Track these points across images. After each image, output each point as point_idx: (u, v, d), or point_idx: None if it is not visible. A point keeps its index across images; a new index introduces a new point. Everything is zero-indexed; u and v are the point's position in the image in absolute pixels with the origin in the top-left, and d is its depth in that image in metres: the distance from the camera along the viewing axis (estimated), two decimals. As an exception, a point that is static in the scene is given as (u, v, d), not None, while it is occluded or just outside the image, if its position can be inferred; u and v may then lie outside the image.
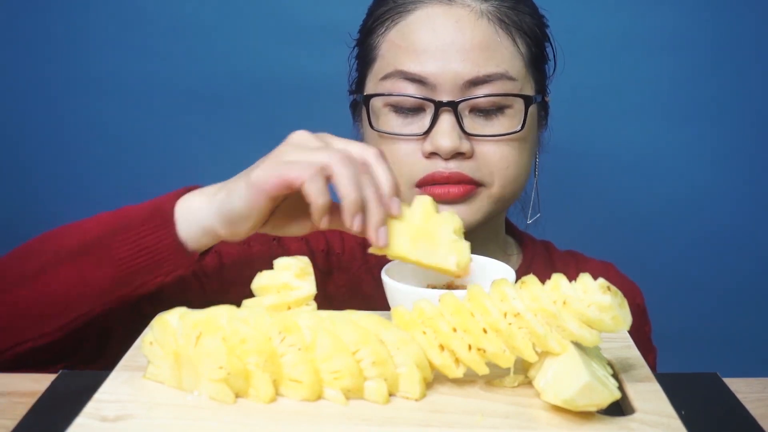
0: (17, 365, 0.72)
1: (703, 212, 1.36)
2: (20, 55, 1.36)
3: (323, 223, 0.67)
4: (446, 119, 0.81)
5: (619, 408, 0.54)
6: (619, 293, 0.54)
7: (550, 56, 0.91)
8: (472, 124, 0.82)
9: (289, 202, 0.70)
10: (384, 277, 0.70)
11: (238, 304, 0.59)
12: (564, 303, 0.54)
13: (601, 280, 0.54)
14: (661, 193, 1.36)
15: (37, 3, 1.34)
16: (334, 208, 0.67)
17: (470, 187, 0.82)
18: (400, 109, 0.83)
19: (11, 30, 1.35)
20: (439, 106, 0.81)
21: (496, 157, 0.82)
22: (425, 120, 0.82)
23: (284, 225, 0.72)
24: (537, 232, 1.01)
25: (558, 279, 0.55)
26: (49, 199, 1.42)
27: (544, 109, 0.91)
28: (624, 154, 1.35)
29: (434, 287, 0.76)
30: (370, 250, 0.67)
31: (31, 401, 0.57)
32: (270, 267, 0.64)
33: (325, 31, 1.27)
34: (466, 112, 0.82)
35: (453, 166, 0.81)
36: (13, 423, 0.54)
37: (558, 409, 0.52)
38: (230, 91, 1.35)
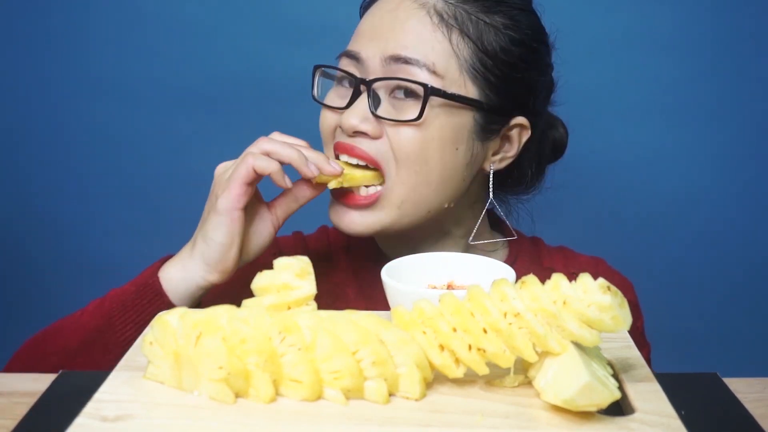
0: None
1: (703, 212, 1.36)
2: (20, 55, 1.36)
3: (288, 182, 0.79)
4: (362, 98, 0.84)
5: (619, 408, 0.54)
6: (619, 293, 0.54)
7: (529, 80, 0.88)
8: (388, 108, 0.84)
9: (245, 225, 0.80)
10: (384, 277, 0.70)
11: None
12: (564, 303, 0.54)
13: (601, 280, 0.54)
14: (662, 192, 1.36)
15: (37, 3, 1.34)
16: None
17: (369, 158, 0.84)
18: (340, 86, 0.88)
19: (11, 30, 1.35)
20: (358, 83, 0.84)
21: (395, 143, 0.83)
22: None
23: (251, 245, 0.82)
24: (543, 234, 1.01)
25: (558, 279, 0.55)
26: (49, 199, 1.42)
27: (497, 123, 0.87)
28: (624, 155, 1.35)
29: (434, 287, 0.76)
30: (330, 185, 0.81)
31: (31, 401, 0.57)
32: (247, 289, 0.64)
33: (324, 31, 1.27)
34: (387, 97, 0.84)
35: (354, 142, 0.84)
36: (13, 423, 0.54)
37: (558, 409, 0.52)
38: (230, 91, 1.35)
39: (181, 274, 0.79)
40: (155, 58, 1.35)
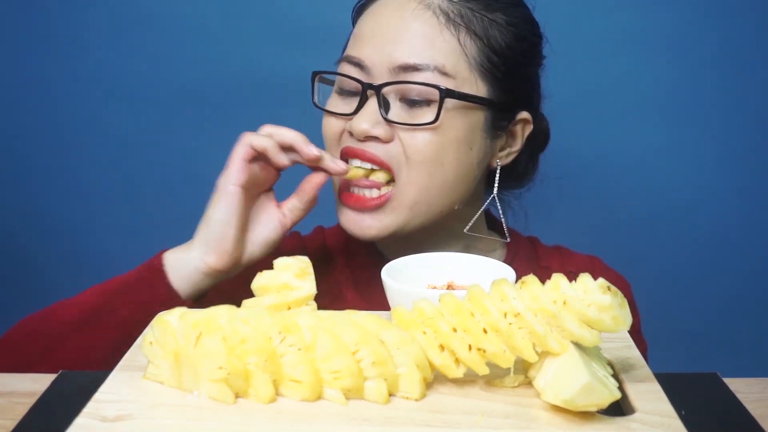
0: None
1: (703, 212, 1.36)
2: (20, 55, 1.36)
3: (283, 160, 0.81)
4: (370, 103, 0.83)
5: (620, 408, 0.54)
6: (619, 293, 0.54)
7: (530, 75, 0.90)
8: (399, 112, 0.83)
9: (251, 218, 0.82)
10: (384, 277, 0.70)
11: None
12: (564, 303, 0.54)
13: (601, 280, 0.54)
14: (662, 193, 1.36)
15: (37, 3, 1.34)
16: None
17: (380, 162, 0.83)
18: (343, 92, 0.87)
19: (11, 30, 1.35)
20: (365, 88, 0.83)
21: (410, 147, 0.83)
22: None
23: (255, 237, 0.82)
24: (538, 235, 1.01)
25: (558, 279, 0.55)
26: (49, 199, 1.42)
27: (505, 119, 0.88)
28: (621, 154, 1.35)
29: (434, 287, 0.76)
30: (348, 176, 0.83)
31: (31, 401, 0.57)
32: (247, 288, 0.64)
33: (324, 31, 1.27)
34: (396, 101, 0.84)
35: (365, 147, 0.84)
36: (13, 423, 0.54)
37: (558, 409, 0.52)
38: (230, 91, 1.35)
39: (181, 255, 0.80)
40: (156, 57, 1.35)
